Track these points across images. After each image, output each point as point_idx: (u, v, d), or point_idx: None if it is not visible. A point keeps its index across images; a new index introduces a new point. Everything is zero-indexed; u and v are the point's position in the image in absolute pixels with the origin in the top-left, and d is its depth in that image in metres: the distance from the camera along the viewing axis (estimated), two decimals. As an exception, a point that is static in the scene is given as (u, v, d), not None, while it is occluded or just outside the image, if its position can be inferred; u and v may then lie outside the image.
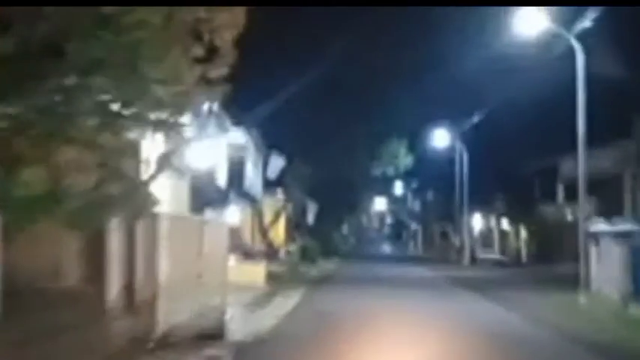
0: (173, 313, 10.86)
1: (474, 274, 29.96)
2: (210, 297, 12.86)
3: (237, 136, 24.31)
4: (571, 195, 33.96)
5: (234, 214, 32.19)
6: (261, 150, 30.93)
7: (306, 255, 33.64)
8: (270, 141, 29.93)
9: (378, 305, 16.59)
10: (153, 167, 8.75)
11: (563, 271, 28.53)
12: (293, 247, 34.73)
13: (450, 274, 29.93)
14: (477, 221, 56.91)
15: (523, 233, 43.35)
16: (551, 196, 36.46)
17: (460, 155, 37.17)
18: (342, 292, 20.16)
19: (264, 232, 32.88)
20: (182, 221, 13.30)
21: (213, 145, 17.74)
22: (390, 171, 34.78)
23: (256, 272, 21.90)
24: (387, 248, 70.07)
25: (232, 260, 22.90)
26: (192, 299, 11.88)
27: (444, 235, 65.56)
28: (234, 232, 35.42)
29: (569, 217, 34.93)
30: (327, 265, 34.77)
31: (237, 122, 22.90)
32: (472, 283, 24.03)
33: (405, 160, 33.94)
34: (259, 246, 34.52)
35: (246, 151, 26.89)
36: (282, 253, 36.15)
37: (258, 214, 33.21)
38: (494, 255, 44.84)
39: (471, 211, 56.47)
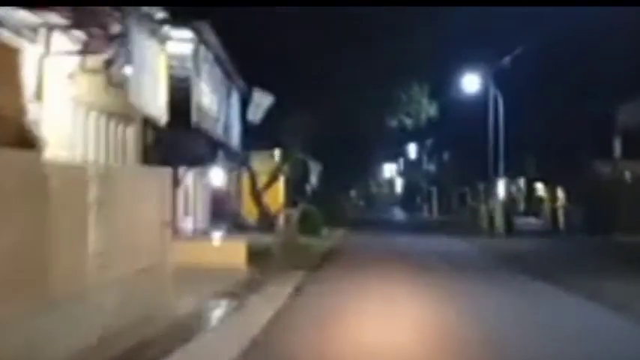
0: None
1: (519, 247, 23.93)
2: (132, 301, 7.36)
3: (182, 38, 14.24)
4: (631, 150, 27.94)
5: (218, 174, 26.25)
6: (228, 70, 23.40)
7: (307, 223, 27.69)
8: (249, 77, 23.25)
9: (407, 305, 10.77)
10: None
11: (628, 242, 22.65)
12: (292, 214, 28.90)
13: (487, 247, 23.97)
14: (501, 186, 50.89)
15: (562, 197, 37.22)
16: (604, 151, 30.30)
17: (495, 101, 30.77)
18: (353, 281, 14.07)
19: (257, 197, 26.91)
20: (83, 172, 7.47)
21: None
22: (409, 122, 28.39)
23: (236, 250, 15.95)
24: (399, 214, 63.99)
25: (216, 235, 17.68)
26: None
27: (462, 199, 59.64)
28: (221, 197, 29.56)
29: (629, 177, 28.87)
30: (332, 236, 28.88)
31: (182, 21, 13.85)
32: (527, 262, 18.01)
33: (429, 109, 27.57)
34: (253, 214, 28.68)
35: (193, 62, 16.13)
36: (280, 222, 30.39)
37: (250, 175, 27.21)
38: (529, 222, 38.79)
39: (494, 173, 50.66)
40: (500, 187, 51.02)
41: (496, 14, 27.18)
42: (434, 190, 60.60)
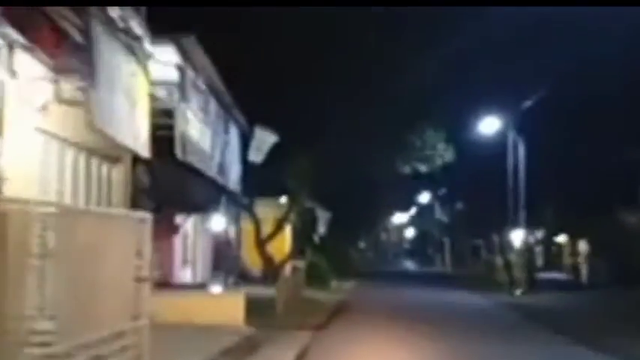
0: None
1: (544, 304, 22.02)
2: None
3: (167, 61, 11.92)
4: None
5: (220, 221, 24.66)
6: (225, 101, 20.37)
7: (314, 275, 25.95)
8: (249, 113, 21.20)
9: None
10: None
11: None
12: (298, 265, 27.17)
13: (510, 304, 22.09)
14: (518, 236, 48.97)
15: (583, 248, 35.33)
16: (630, 199, 28.55)
17: (514, 146, 29.16)
18: (363, 347, 12.28)
19: (261, 247, 25.23)
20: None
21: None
22: (422, 168, 26.74)
23: (234, 305, 14.18)
24: (410, 265, 61.89)
25: (214, 288, 16.25)
26: None
27: (475, 251, 57.59)
28: (223, 246, 27.91)
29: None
30: (341, 288, 27.04)
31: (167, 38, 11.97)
32: (557, 321, 16.12)
33: (445, 154, 25.86)
34: (257, 264, 26.96)
35: (179, 86, 13.84)
36: (286, 273, 28.63)
37: (254, 223, 25.59)
38: (550, 276, 36.79)
39: (512, 224, 48.72)
40: (517, 238, 49.27)
41: (518, 53, 25.86)
42: (446, 240, 58.64)
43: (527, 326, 15.68)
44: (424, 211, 65.66)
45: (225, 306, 14.11)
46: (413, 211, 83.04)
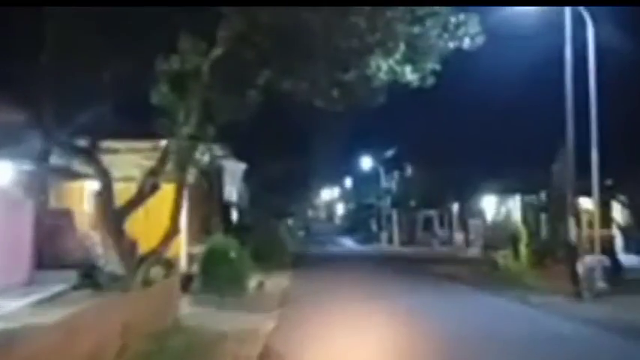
0: None
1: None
2: None
3: None
4: None
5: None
6: None
7: (218, 272, 14.27)
8: None
9: None
10: None
11: None
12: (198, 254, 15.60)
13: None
14: (490, 203, 38.56)
15: (617, 213, 24.95)
16: None
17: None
18: None
19: (112, 223, 13.21)
20: None
21: None
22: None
23: None
24: (350, 244, 50.74)
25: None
26: None
27: (427, 225, 47.14)
28: (56, 227, 15.53)
29: None
30: (266, 295, 15.51)
31: None
32: None
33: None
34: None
35: None
36: (182, 264, 16.94)
37: (103, 185, 13.46)
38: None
39: (478, 188, 38.24)
40: (486, 204, 38.64)
41: None
42: (393, 213, 47.87)
43: None
44: (364, 180, 54.59)
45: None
46: (348, 181, 72.36)
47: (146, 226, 14.31)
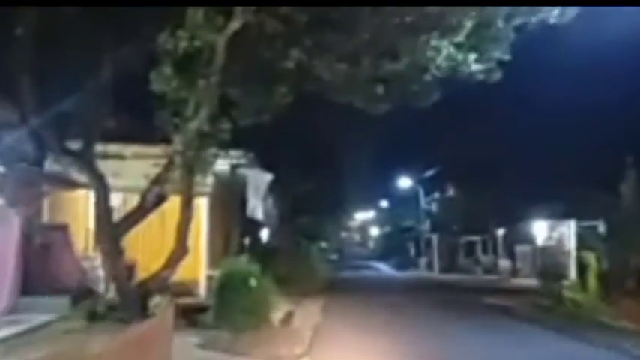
0: None
1: None
2: None
3: None
4: None
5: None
6: None
7: (237, 301, 11.81)
8: None
9: None
10: None
11: None
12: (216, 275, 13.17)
13: None
14: (540, 228, 35.40)
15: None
16: None
17: None
18: None
19: (108, 241, 10.93)
20: None
21: None
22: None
23: None
24: (386, 270, 47.84)
25: None
26: None
27: (470, 250, 44.09)
28: (50, 246, 13.18)
29: None
30: (296, 323, 13.05)
31: None
32: None
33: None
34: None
35: None
36: (201, 290, 14.59)
37: (96, 189, 11.20)
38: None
39: (527, 212, 35.29)
40: (538, 230, 35.59)
41: None
42: (433, 237, 44.95)
43: None
44: (402, 202, 51.75)
45: None
46: (381, 204, 69.59)
47: (162, 245, 12.01)
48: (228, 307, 11.57)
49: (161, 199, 10.98)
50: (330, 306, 18.09)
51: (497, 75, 10.91)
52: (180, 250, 10.48)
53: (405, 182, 47.28)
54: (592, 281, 18.16)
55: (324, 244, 46.74)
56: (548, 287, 20.59)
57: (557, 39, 13.93)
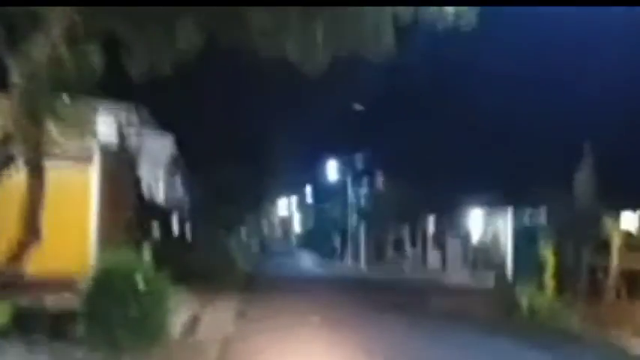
0: None
1: None
2: None
3: None
4: None
5: None
6: None
7: (110, 306, 8.65)
8: None
9: None
10: None
11: None
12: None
13: None
14: (475, 218, 33.50)
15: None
16: None
17: None
18: None
19: None
20: None
21: None
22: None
23: None
24: (310, 263, 45.08)
25: None
26: None
27: (398, 244, 41.87)
28: None
29: None
30: (201, 335, 10.01)
31: None
32: None
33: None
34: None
35: None
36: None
37: None
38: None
39: (461, 202, 33.34)
40: (474, 222, 33.73)
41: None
42: (360, 229, 42.53)
43: None
44: (327, 191, 49.09)
45: None
46: (306, 194, 66.86)
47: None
48: (104, 318, 8.41)
49: (8, 162, 7.72)
50: (247, 308, 15.06)
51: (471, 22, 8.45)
52: (28, 235, 7.28)
53: (332, 170, 44.72)
54: (549, 283, 15.90)
55: (244, 235, 43.63)
56: (501, 288, 18.23)
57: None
